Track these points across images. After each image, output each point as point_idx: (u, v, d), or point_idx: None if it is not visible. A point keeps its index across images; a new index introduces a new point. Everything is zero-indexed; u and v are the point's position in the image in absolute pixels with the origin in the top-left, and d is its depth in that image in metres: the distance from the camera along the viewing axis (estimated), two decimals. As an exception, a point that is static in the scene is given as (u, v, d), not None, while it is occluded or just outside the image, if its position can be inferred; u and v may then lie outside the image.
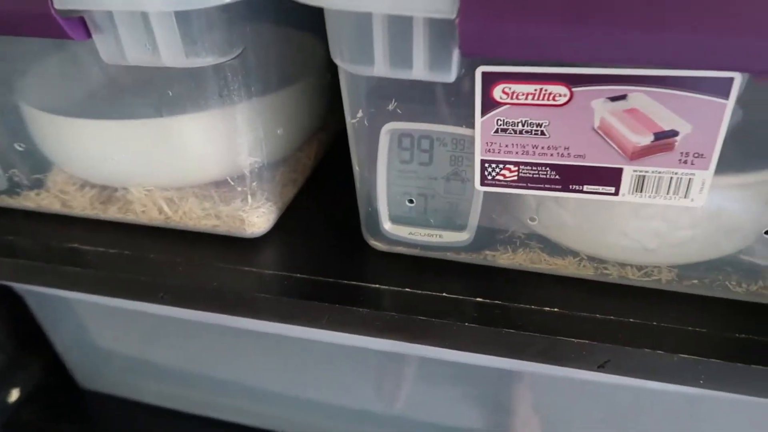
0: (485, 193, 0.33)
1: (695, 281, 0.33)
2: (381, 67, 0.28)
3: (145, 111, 0.34)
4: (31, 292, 0.48)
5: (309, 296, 0.34)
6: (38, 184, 0.41)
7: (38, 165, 0.40)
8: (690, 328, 0.31)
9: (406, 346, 0.39)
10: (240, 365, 0.49)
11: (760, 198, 0.30)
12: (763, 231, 0.32)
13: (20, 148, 0.38)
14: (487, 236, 0.35)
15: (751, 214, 0.30)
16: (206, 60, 0.30)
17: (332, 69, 0.31)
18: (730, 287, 0.33)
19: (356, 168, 0.34)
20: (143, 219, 0.39)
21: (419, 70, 0.27)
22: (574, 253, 0.35)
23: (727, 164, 0.28)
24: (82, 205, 0.40)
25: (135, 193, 0.38)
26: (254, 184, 0.36)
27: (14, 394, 0.54)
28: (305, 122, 0.41)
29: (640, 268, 0.34)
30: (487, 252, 0.35)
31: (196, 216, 0.38)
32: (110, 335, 0.51)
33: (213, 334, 0.47)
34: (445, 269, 0.35)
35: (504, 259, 0.35)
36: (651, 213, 0.31)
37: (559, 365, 0.32)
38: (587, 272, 0.35)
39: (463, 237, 0.35)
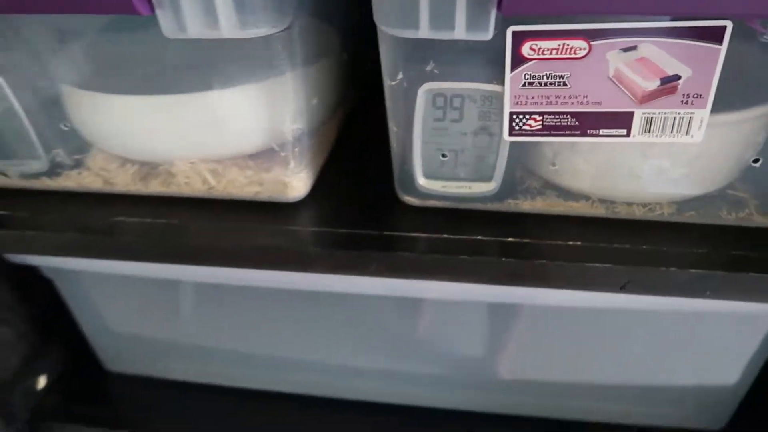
0: (510, 145, 0.37)
1: (692, 212, 0.38)
2: (425, 30, 0.32)
3: (195, 85, 0.37)
4: (62, 272, 0.49)
5: (357, 247, 0.37)
6: (78, 165, 0.42)
7: (78, 146, 0.42)
8: (694, 250, 0.36)
9: (445, 290, 0.42)
10: (265, 331, 0.51)
11: (745, 134, 0.35)
12: (744, 167, 0.37)
13: (65, 128, 0.40)
14: (510, 186, 0.39)
15: (737, 149, 0.35)
16: (260, 31, 0.33)
17: (347, 49, 0.35)
18: (722, 216, 0.38)
19: (393, 128, 0.38)
20: (186, 191, 0.42)
21: (460, 30, 0.31)
22: (587, 197, 0.39)
23: (718, 105, 0.33)
24: (124, 182, 0.42)
25: (180, 165, 0.40)
26: (296, 149, 0.39)
27: (41, 381, 0.55)
28: (333, 94, 0.45)
29: (644, 205, 0.39)
30: (511, 201, 0.40)
31: (239, 184, 0.41)
32: (137, 314, 0.53)
33: (238, 301, 0.50)
34: (476, 217, 0.39)
35: (526, 205, 0.40)
36: (656, 152, 0.35)
37: (586, 290, 0.36)
38: (599, 212, 0.39)
39: (490, 187, 0.39)
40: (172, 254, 0.40)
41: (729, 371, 0.47)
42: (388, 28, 0.33)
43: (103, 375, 0.58)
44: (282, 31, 0.34)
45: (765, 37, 0.30)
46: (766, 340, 0.44)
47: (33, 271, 0.50)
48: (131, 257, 0.41)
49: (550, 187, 0.39)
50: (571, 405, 0.52)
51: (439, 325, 0.47)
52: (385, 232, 0.38)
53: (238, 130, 0.39)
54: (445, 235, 0.38)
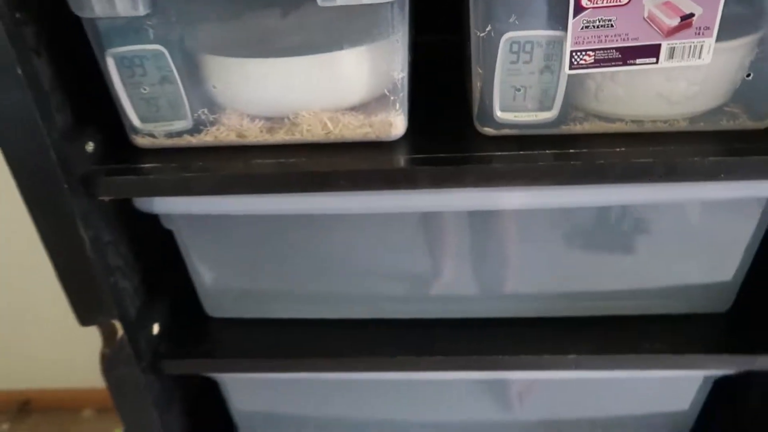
0: (567, 81, 0.49)
1: (702, 123, 0.51)
2: (514, -12, 0.43)
3: (326, 46, 0.48)
4: (185, 219, 0.58)
5: (454, 162, 0.48)
6: (216, 122, 0.52)
7: (216, 106, 0.52)
8: (708, 146, 0.49)
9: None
10: (361, 255, 0.61)
11: (738, 57, 0.48)
12: (737, 85, 0.50)
13: (214, 88, 0.50)
14: (564, 115, 0.51)
15: (733, 68, 0.48)
16: (389, -3, 0.44)
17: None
18: (723, 124, 0.51)
19: (478, 71, 0.49)
20: (307, 137, 0.52)
21: (540, -13, 0.43)
22: (621, 119, 0.51)
23: (720, 35, 0.46)
24: (254, 134, 0.52)
25: (305, 115, 0.51)
26: (401, 94, 0.50)
27: (155, 328, 0.63)
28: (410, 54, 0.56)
29: (666, 120, 0.51)
30: (565, 126, 0.51)
31: (352, 127, 0.51)
32: (241, 260, 0.62)
33: (326, 239, 0.60)
34: (541, 139, 0.51)
35: (577, 128, 0.51)
36: (676, 75, 0.48)
37: (631, 182, 0.48)
38: (632, 128, 0.51)
39: (551, 114, 0.51)
40: (302, 182, 0.50)
41: (729, 258, 0.60)
42: (483, -10, 0.44)
43: (207, 320, 0.66)
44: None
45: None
46: (758, 228, 0.57)
47: (154, 222, 0.59)
48: (267, 188, 0.50)
49: (594, 115, 0.51)
50: (593, 304, 0.64)
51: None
52: (475, 153, 0.50)
53: (359, 82, 0.49)
54: (521, 152, 0.49)
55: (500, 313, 0.64)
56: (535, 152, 0.49)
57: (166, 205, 0.55)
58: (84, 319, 0.56)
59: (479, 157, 0.49)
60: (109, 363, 0.58)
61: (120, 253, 0.59)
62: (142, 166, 0.51)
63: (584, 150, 0.49)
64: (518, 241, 0.60)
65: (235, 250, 0.61)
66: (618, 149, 0.49)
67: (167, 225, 0.59)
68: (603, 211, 0.58)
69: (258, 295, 0.65)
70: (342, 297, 0.64)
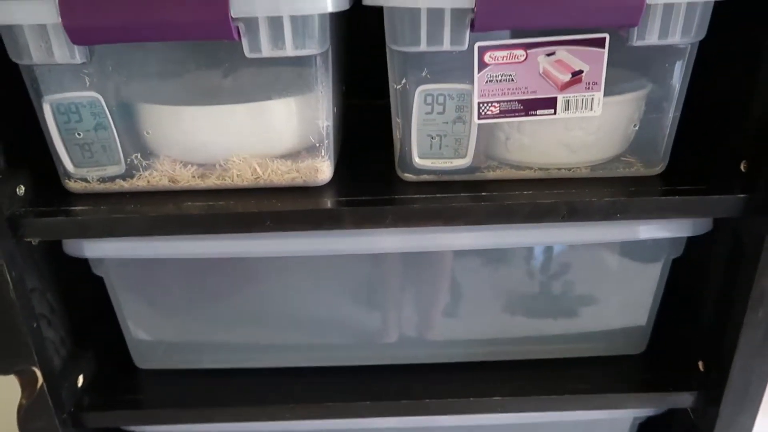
0: (478, 131, 0.54)
1: (601, 171, 0.56)
2: (424, 45, 0.48)
3: (257, 96, 0.51)
4: (119, 264, 0.59)
5: (375, 203, 0.52)
6: (148, 168, 0.54)
7: (149, 152, 0.54)
8: (605, 190, 0.53)
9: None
10: (288, 304, 0.62)
11: (627, 110, 0.54)
12: (630, 137, 0.56)
13: (147, 134, 0.53)
14: (478, 162, 0.55)
15: (623, 120, 0.54)
16: (311, 51, 0.48)
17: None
18: (621, 171, 0.56)
19: (397, 120, 0.53)
20: (237, 182, 0.54)
21: (447, 44, 0.48)
22: (530, 167, 0.56)
23: (608, 91, 0.51)
24: (186, 179, 0.54)
25: (235, 161, 0.53)
26: (326, 142, 0.53)
27: (81, 379, 0.61)
28: (340, 108, 0.60)
29: (569, 168, 0.56)
30: (479, 172, 0.56)
31: (281, 172, 0.54)
32: (171, 311, 0.62)
33: (260, 288, 0.62)
34: (458, 185, 0.55)
35: (491, 174, 0.56)
36: (573, 125, 0.53)
37: (538, 222, 0.52)
38: (539, 175, 0.56)
39: (465, 162, 0.55)
40: (229, 223, 0.52)
41: (641, 302, 0.64)
42: (397, 46, 0.49)
43: (135, 371, 0.65)
44: (323, 52, 0.50)
45: (629, 43, 0.49)
46: (663, 270, 0.62)
47: (85, 269, 0.59)
48: (195, 229, 0.52)
49: (505, 163, 0.56)
50: (511, 348, 0.66)
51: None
52: (395, 196, 0.53)
53: (287, 130, 0.53)
54: (438, 195, 0.53)
55: (428, 358, 0.66)
56: (450, 195, 0.53)
57: (95, 249, 0.56)
58: (2, 366, 0.55)
59: (398, 199, 0.53)
60: (25, 414, 0.56)
61: (47, 301, 0.59)
62: (72, 208, 0.52)
63: (495, 193, 0.53)
64: (441, 287, 0.62)
65: (164, 299, 0.62)
66: (526, 192, 0.53)
67: (97, 271, 0.59)
68: (522, 258, 0.62)
69: (187, 345, 0.65)
70: (271, 345, 0.65)
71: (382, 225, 0.52)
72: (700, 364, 0.62)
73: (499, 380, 0.63)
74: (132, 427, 0.66)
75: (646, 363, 0.66)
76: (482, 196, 0.53)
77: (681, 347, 0.66)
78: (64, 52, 0.48)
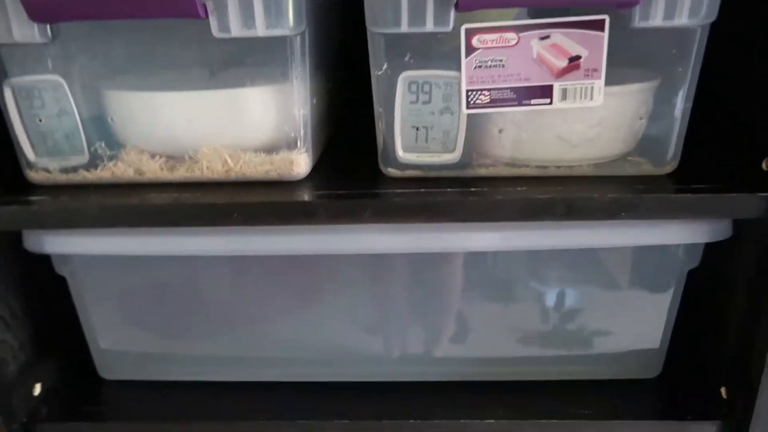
0: (467, 123, 0.49)
1: (605, 169, 0.51)
2: (405, 26, 0.45)
3: (229, 82, 0.48)
4: (82, 262, 0.55)
5: (353, 197, 0.47)
6: (113, 158, 0.51)
7: (114, 142, 0.51)
8: (609, 186, 0.48)
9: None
10: (260, 313, 0.58)
11: (632, 104, 0.49)
12: (636, 135, 0.51)
13: (111, 121, 0.49)
14: (468, 158, 0.51)
15: (628, 114, 0.49)
16: (284, 31, 0.45)
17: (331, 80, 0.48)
18: (627, 169, 0.51)
19: (378, 110, 0.49)
20: (207, 174, 0.50)
21: (430, 25, 0.44)
22: (526, 163, 0.51)
23: (611, 79, 0.47)
24: (153, 170, 0.51)
25: (205, 151, 0.50)
26: (302, 132, 0.50)
27: (38, 387, 0.57)
28: (324, 105, 0.57)
29: (569, 165, 0.51)
30: (469, 169, 0.51)
31: (254, 164, 0.50)
32: (138, 309, 0.58)
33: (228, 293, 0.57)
34: (447, 181, 0.50)
35: (482, 170, 0.51)
36: (573, 117, 0.49)
37: (532, 219, 0.47)
38: (536, 172, 0.51)
39: (453, 156, 0.50)
40: (195, 215, 0.48)
41: (654, 320, 0.58)
42: (377, 28, 0.46)
43: (100, 382, 0.61)
44: (298, 33, 0.46)
45: (631, 25, 0.45)
46: (678, 283, 0.56)
47: (48, 272, 0.55)
48: (159, 221, 0.48)
49: (499, 160, 0.51)
50: (528, 369, 0.60)
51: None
52: (375, 190, 0.49)
53: (260, 119, 0.49)
54: (422, 189, 0.48)
55: (414, 376, 0.60)
56: (437, 190, 0.48)
57: (55, 244, 0.52)
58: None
59: (378, 193, 0.48)
60: (-27, 423, 0.52)
61: (7, 302, 0.55)
62: (30, 198, 0.49)
63: (486, 189, 0.48)
64: (430, 295, 0.57)
65: (131, 303, 0.58)
66: (519, 188, 0.48)
67: (61, 271, 0.56)
68: (519, 268, 0.56)
69: (157, 355, 0.60)
70: (248, 358, 0.60)
71: (360, 220, 0.47)
72: (723, 390, 0.56)
73: (493, 402, 0.57)
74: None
75: (661, 388, 0.59)
76: (470, 192, 0.48)
77: (701, 371, 0.60)
78: (24, 31, 0.45)
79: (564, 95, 0.47)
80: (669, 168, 0.50)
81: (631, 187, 0.48)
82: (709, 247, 0.54)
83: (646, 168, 0.51)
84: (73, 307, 0.58)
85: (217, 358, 0.60)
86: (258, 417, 0.55)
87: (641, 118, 0.49)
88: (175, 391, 0.60)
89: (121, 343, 0.60)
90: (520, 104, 0.48)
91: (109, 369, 0.61)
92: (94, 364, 0.61)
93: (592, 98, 0.47)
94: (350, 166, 0.54)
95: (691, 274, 0.56)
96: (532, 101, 0.48)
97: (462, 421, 0.55)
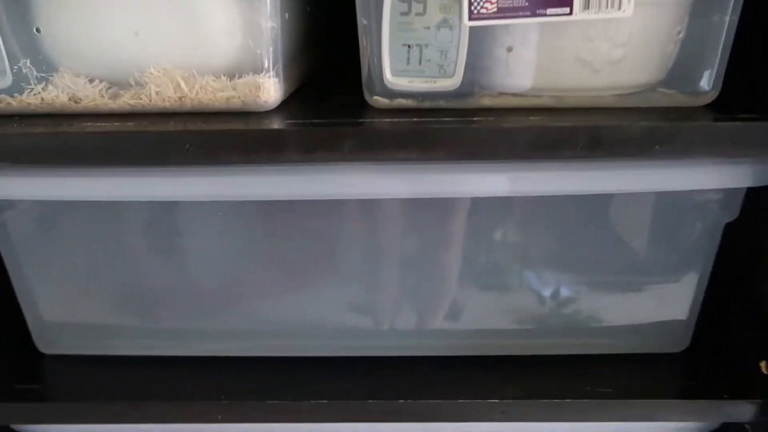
0: (469, 41, 0.41)
1: (632, 100, 0.43)
2: None
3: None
4: (13, 217, 0.46)
5: (332, 125, 0.39)
6: (42, 81, 0.42)
7: (45, 63, 0.42)
8: (640, 116, 0.40)
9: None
10: (218, 268, 0.50)
11: (670, 17, 0.41)
12: (669, 61, 0.43)
13: (38, 33, 0.41)
14: (470, 85, 0.42)
15: (661, 31, 0.41)
16: None
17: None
18: (657, 100, 0.43)
19: (363, 21, 0.41)
20: (157, 102, 0.42)
21: None
22: (538, 93, 0.43)
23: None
24: (91, 97, 0.42)
25: (153, 73, 0.41)
26: (270, 49, 0.41)
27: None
28: (301, 27, 0.48)
29: (590, 94, 0.43)
30: (470, 99, 0.43)
31: (212, 89, 0.42)
32: (78, 270, 0.50)
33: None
34: (443, 114, 0.42)
35: (486, 100, 0.43)
36: (595, 33, 0.40)
37: (547, 154, 0.39)
38: (550, 103, 0.43)
39: (453, 82, 0.42)
40: (138, 149, 0.39)
41: (683, 285, 0.50)
42: None
43: (38, 357, 0.52)
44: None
45: None
46: (713, 239, 0.48)
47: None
48: (95, 157, 0.39)
49: (507, 89, 0.43)
50: (538, 341, 0.52)
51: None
52: (359, 120, 0.40)
53: (219, 31, 0.40)
54: (415, 119, 0.40)
55: (406, 349, 0.52)
56: (432, 119, 0.40)
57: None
58: None
59: (361, 122, 0.40)
60: None
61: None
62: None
63: (491, 118, 0.40)
64: (424, 251, 0.49)
65: (71, 262, 0.49)
66: (533, 117, 0.40)
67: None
68: (527, 216, 0.48)
69: (100, 326, 0.52)
70: (202, 329, 0.52)
71: (340, 154, 0.39)
72: (763, 365, 0.48)
73: (497, 379, 0.48)
74: (29, 427, 0.52)
75: (690, 363, 0.51)
76: (473, 120, 0.40)
77: (736, 344, 0.52)
78: None
79: (587, 3, 0.39)
80: (709, 97, 0.42)
81: (665, 117, 0.40)
82: (748, 197, 0.46)
83: (680, 98, 0.43)
84: (4, 271, 0.49)
85: (174, 329, 0.52)
86: (220, 397, 0.47)
87: (679, 33, 0.41)
88: (126, 367, 0.51)
89: (63, 312, 0.51)
90: (533, 15, 0.40)
91: (49, 342, 0.53)
92: (31, 336, 0.52)
93: (620, 7, 0.39)
94: (330, 98, 0.46)
95: (727, 229, 0.48)
96: (548, 11, 0.40)
97: (461, 401, 0.47)
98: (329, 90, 0.48)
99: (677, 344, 0.52)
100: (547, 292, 0.51)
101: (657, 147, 0.39)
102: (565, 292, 0.51)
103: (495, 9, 0.40)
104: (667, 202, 0.48)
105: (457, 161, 0.42)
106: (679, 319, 0.52)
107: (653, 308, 0.52)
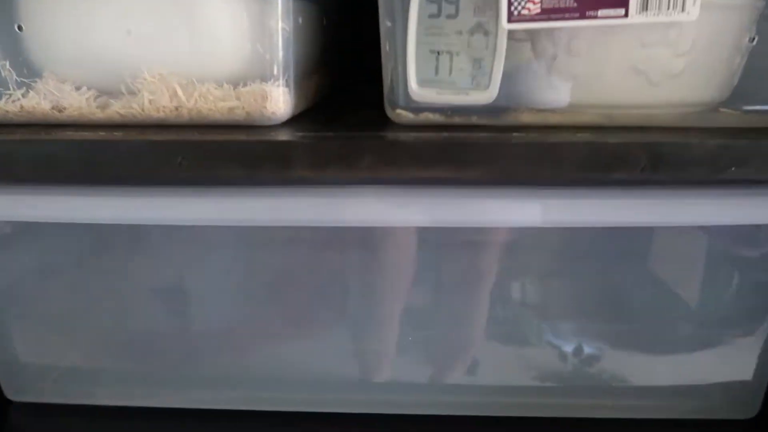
0: (507, 48, 0.36)
1: (693, 120, 0.37)
2: None
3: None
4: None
5: (347, 138, 0.33)
6: (22, 86, 0.37)
7: (24, 69, 0.37)
8: (707, 134, 0.34)
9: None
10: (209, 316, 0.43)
11: (741, 21, 0.35)
12: (734, 83, 0.37)
13: (19, 31, 0.36)
14: (506, 99, 0.37)
15: (729, 38, 0.36)
16: None
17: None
18: (722, 121, 0.37)
19: (386, 24, 0.36)
20: (150, 112, 0.37)
21: None
22: (584, 108, 0.38)
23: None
24: (78, 107, 0.37)
25: (147, 78, 0.36)
26: (281, 55, 0.36)
27: None
28: (315, 37, 0.44)
29: (645, 112, 0.37)
30: (506, 115, 0.37)
31: (214, 99, 0.37)
32: (61, 311, 0.44)
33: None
34: (475, 131, 0.36)
35: (526, 118, 0.37)
36: (655, 38, 0.35)
37: (602, 174, 0.33)
38: (598, 121, 0.37)
39: (487, 95, 0.37)
40: (125, 160, 0.34)
41: (751, 339, 0.43)
42: None
43: (4, 403, 0.46)
44: None
45: None
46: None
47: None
48: (76, 172, 0.34)
49: (549, 104, 0.38)
50: (595, 402, 0.45)
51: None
52: (379, 133, 0.35)
53: (224, 35, 0.36)
54: (444, 134, 0.35)
55: (412, 408, 0.45)
56: (463, 135, 0.34)
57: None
58: None
59: (381, 135, 0.34)
60: None
61: None
62: None
63: (534, 134, 0.35)
64: (442, 288, 0.43)
65: (46, 296, 0.43)
66: (581, 134, 0.34)
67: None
68: (568, 254, 0.42)
69: (76, 371, 0.45)
70: (187, 378, 0.45)
71: (356, 170, 0.33)
72: None
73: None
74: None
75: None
76: (512, 135, 0.34)
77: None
78: None
79: (645, 4, 0.34)
80: (784, 117, 0.37)
81: (736, 135, 0.34)
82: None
83: (749, 119, 0.37)
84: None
85: (156, 377, 0.45)
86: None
87: (752, 41, 0.36)
88: (107, 418, 0.45)
89: (36, 354, 0.45)
90: (582, 17, 0.34)
91: (19, 388, 0.46)
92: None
93: (683, 8, 0.34)
94: (345, 114, 0.40)
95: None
96: (600, 13, 0.34)
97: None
98: (345, 109, 0.43)
99: (745, 410, 0.45)
100: (590, 346, 0.45)
101: (732, 169, 0.33)
102: (607, 344, 0.45)
103: (538, 10, 0.35)
104: (729, 238, 0.42)
105: (492, 185, 0.36)
106: (744, 380, 0.44)
107: (713, 368, 0.45)
